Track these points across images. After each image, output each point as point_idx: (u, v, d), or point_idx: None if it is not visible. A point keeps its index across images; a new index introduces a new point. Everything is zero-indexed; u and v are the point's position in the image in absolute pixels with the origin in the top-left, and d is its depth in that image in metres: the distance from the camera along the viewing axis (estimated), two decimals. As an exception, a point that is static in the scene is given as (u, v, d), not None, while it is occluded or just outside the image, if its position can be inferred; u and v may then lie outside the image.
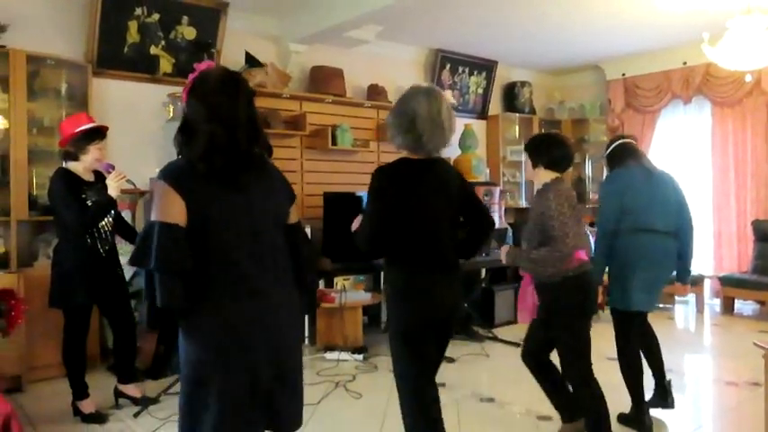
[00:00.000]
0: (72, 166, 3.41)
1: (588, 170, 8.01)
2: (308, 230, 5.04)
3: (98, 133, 3.42)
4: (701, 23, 5.20)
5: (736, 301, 6.35)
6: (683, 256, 3.29)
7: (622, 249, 3.18)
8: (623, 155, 3.34)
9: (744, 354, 4.59)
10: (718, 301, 6.51)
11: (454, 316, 2.47)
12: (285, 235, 1.87)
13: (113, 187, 3.33)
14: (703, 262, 6.74)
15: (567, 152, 2.87)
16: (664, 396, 3.34)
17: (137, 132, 4.93)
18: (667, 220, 3.21)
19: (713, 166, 6.86)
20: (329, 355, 4.65)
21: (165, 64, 5.05)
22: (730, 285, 6.20)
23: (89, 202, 3.34)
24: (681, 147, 7.12)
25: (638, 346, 3.28)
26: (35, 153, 4.34)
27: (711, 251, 6.84)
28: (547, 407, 3.54)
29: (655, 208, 3.18)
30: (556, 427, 3.31)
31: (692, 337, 5.63)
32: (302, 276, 1.92)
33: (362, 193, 4.73)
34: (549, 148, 2.85)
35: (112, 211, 3.47)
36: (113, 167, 3.43)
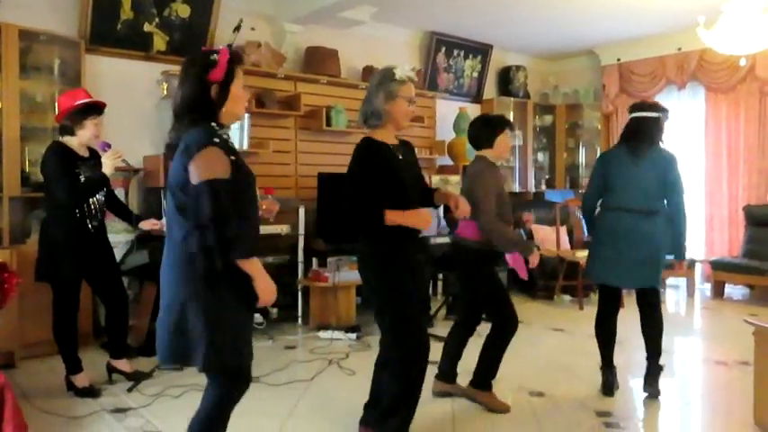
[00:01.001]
0: (67, 140, 3.40)
1: (582, 156, 8.03)
2: (302, 211, 5.09)
3: (95, 108, 3.40)
4: (696, 8, 5.20)
5: (726, 285, 6.41)
6: (675, 236, 3.35)
7: (596, 226, 3.51)
8: (623, 133, 3.50)
9: (733, 335, 4.65)
10: (708, 286, 6.58)
11: None
12: None
13: (108, 165, 3.32)
14: (695, 246, 6.79)
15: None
16: (647, 381, 3.41)
17: (130, 110, 4.89)
18: (644, 200, 3.32)
19: (706, 151, 6.89)
20: (323, 334, 4.67)
21: (159, 41, 5.00)
22: (721, 269, 6.26)
23: (82, 178, 3.33)
24: (674, 132, 7.13)
25: (642, 324, 3.45)
26: (27, 130, 4.30)
27: (703, 236, 6.90)
28: (539, 383, 3.61)
29: (630, 188, 3.34)
30: (548, 402, 3.37)
31: (682, 320, 5.68)
32: None
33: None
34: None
35: (104, 189, 3.46)
36: (109, 146, 3.42)
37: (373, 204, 2.49)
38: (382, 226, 2.49)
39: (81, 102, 3.36)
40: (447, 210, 3.08)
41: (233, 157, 1.92)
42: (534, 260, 3.14)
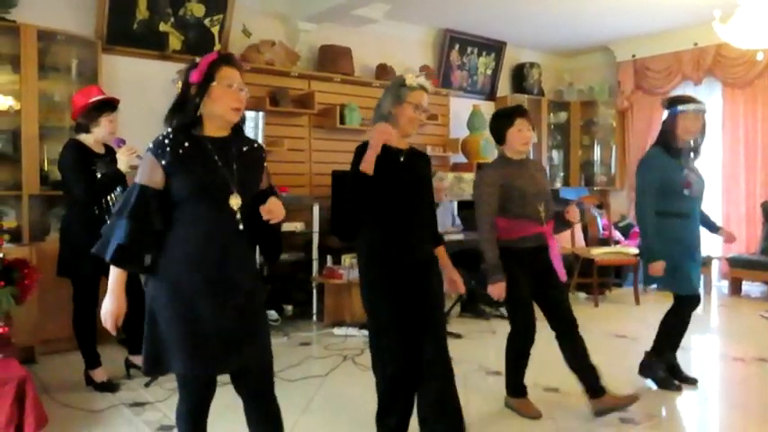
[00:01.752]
0: (83, 138, 3.45)
1: (597, 153, 7.98)
2: (316, 208, 5.12)
3: (109, 105, 3.45)
4: (712, 3, 5.13)
5: (743, 282, 6.34)
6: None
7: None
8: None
9: (751, 332, 4.60)
10: (726, 283, 6.51)
11: None
12: None
13: (123, 161, 3.37)
14: (711, 244, 6.72)
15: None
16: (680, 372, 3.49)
17: (146, 109, 4.93)
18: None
19: (723, 148, 6.82)
20: (337, 331, 4.70)
21: (175, 41, 5.05)
22: (738, 267, 6.20)
23: (98, 174, 3.37)
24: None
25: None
26: (46, 129, 4.37)
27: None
28: (553, 379, 3.59)
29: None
30: (562, 397, 3.36)
31: (699, 317, 5.56)
32: None
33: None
34: None
35: (121, 185, 3.51)
36: (124, 142, 3.47)
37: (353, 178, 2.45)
38: (376, 238, 2.47)
39: (95, 99, 3.41)
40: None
41: (163, 162, 1.89)
42: (494, 292, 2.95)
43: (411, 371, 2.50)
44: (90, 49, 4.60)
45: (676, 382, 3.45)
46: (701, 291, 3.48)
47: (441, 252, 2.70)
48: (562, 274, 3.12)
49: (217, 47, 5.10)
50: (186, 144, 1.93)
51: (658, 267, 3.29)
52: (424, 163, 2.70)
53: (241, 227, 1.97)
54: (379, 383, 2.56)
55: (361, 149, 2.52)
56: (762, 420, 3.01)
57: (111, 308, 1.93)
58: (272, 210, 1.98)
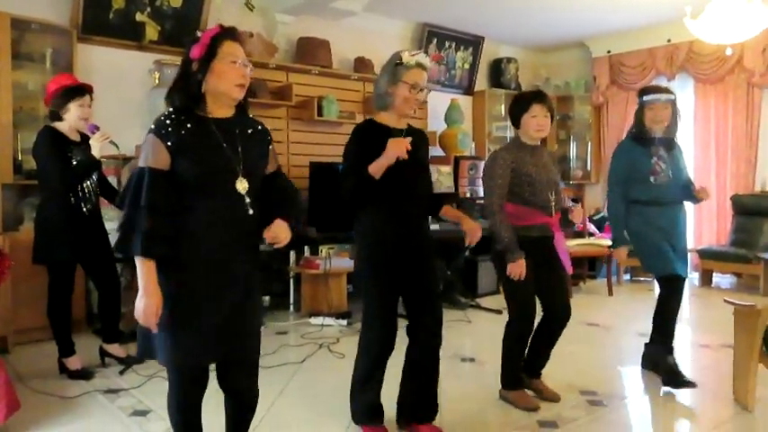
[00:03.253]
0: (58, 125, 3.43)
1: (573, 148, 8.09)
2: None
3: (78, 91, 3.42)
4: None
5: (714, 273, 6.49)
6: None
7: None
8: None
9: (719, 322, 4.71)
10: (696, 275, 6.65)
11: None
12: None
13: (96, 148, 3.36)
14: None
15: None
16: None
17: (122, 100, 4.92)
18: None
19: (695, 142, 6.96)
20: (314, 321, 4.73)
21: (151, 31, 5.03)
22: (709, 258, 6.34)
23: (74, 161, 3.36)
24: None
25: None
26: (20, 118, 4.34)
27: (692, 226, 6.96)
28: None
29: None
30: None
31: (670, 307, 5.74)
32: None
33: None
34: None
35: (96, 173, 3.50)
36: (98, 128, 3.46)
37: (357, 171, 2.47)
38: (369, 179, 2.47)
39: (63, 85, 3.39)
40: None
41: (169, 143, 1.81)
42: (515, 270, 2.91)
43: (392, 340, 2.59)
44: (65, 38, 4.57)
45: (686, 379, 3.34)
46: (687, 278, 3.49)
47: (448, 210, 2.71)
48: (568, 266, 3.11)
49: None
50: (189, 125, 1.86)
51: (621, 254, 3.36)
52: (422, 142, 2.69)
53: (251, 212, 1.91)
54: (368, 340, 2.60)
55: (360, 130, 2.55)
56: (725, 402, 3.11)
57: (149, 303, 1.80)
58: (277, 234, 1.92)
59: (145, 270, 1.81)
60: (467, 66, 7.41)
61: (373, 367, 2.63)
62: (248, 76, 1.92)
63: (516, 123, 3.10)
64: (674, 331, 3.46)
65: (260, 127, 2.05)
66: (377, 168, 2.43)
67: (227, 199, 1.88)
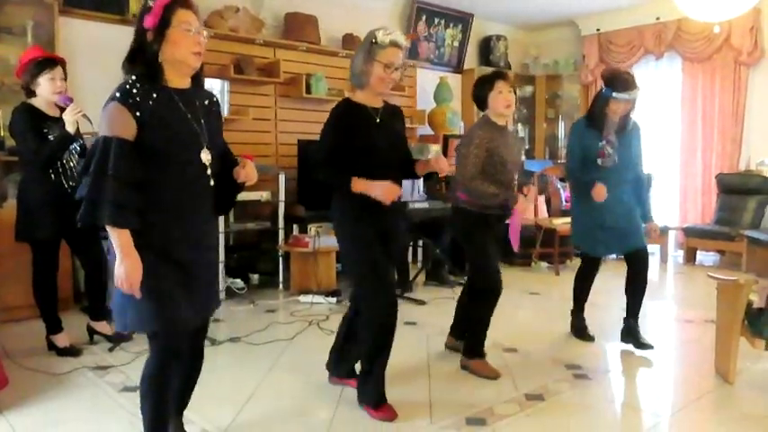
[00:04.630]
0: (35, 101, 3.35)
1: (561, 127, 8.10)
2: (282, 177, 5.11)
3: (47, 63, 3.32)
4: (673, -25, 5.23)
5: (698, 251, 6.57)
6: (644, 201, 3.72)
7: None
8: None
9: (702, 298, 4.78)
10: (681, 253, 6.73)
11: None
12: None
13: (69, 122, 3.25)
14: (669, 215, 6.94)
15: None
16: (638, 337, 3.62)
17: (105, 74, 4.77)
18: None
19: (682, 121, 6.99)
20: (303, 299, 4.73)
21: (135, 5, 4.93)
22: (693, 236, 6.41)
23: (51, 137, 3.29)
24: (651, 102, 7.23)
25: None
26: (1, 93, 4.26)
27: (677, 204, 7.04)
28: (513, 340, 3.71)
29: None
30: (520, 358, 3.47)
31: (654, 284, 5.81)
32: None
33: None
34: None
35: (77, 147, 3.44)
36: (71, 100, 3.33)
37: (343, 170, 2.50)
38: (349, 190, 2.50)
39: (31, 58, 3.31)
40: (427, 178, 3.07)
41: (138, 113, 1.80)
42: (521, 207, 3.09)
43: (395, 307, 2.60)
44: (46, 10, 4.47)
45: (590, 334, 3.76)
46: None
47: (420, 165, 2.73)
48: (515, 244, 3.26)
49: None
50: (155, 95, 1.85)
51: (600, 190, 3.37)
52: (399, 120, 2.74)
53: (212, 183, 1.98)
54: (370, 315, 2.60)
55: (338, 113, 2.57)
56: (706, 375, 3.17)
57: (130, 264, 1.78)
58: (249, 173, 2.02)
59: (117, 235, 1.79)
60: (456, 43, 7.36)
61: (385, 342, 2.63)
62: (203, 44, 1.93)
63: (483, 105, 3.19)
64: (584, 300, 3.81)
65: (215, 98, 2.11)
66: (360, 188, 2.48)
67: (193, 169, 1.93)
